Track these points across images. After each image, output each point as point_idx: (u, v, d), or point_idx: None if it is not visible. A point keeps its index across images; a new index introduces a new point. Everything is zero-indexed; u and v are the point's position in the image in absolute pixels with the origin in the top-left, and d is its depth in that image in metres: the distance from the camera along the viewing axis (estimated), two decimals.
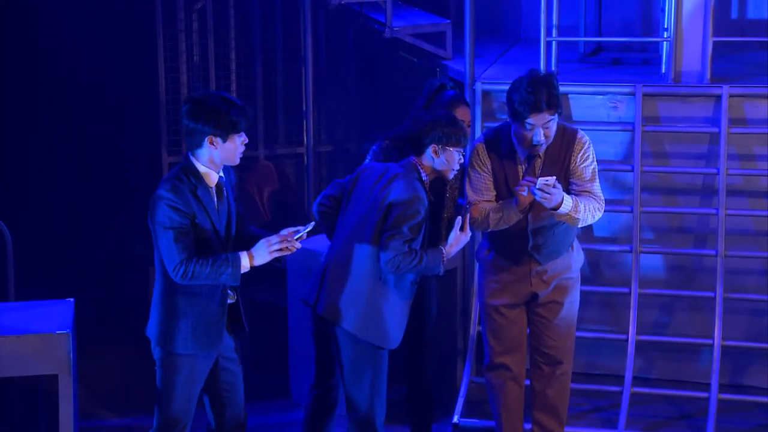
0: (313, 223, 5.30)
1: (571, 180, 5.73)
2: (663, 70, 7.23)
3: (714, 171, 6.94)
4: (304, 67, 8.16)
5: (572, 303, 5.96)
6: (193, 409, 5.32)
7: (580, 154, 5.73)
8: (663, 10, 7.38)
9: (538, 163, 5.73)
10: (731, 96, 6.92)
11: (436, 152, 5.55)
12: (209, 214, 5.16)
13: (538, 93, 5.51)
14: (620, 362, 6.98)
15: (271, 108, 8.63)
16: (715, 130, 6.92)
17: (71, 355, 5.73)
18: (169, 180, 5.12)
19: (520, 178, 5.72)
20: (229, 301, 5.29)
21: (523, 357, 6.04)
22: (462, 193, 5.97)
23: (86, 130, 9.06)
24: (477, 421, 6.81)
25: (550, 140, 5.65)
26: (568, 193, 5.67)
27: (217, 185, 5.22)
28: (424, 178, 5.58)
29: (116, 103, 8.86)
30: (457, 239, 5.53)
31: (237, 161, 5.22)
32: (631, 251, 7.01)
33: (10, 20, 8.69)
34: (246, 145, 5.30)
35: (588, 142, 5.76)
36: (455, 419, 6.80)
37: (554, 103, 5.55)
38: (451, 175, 5.65)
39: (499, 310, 5.94)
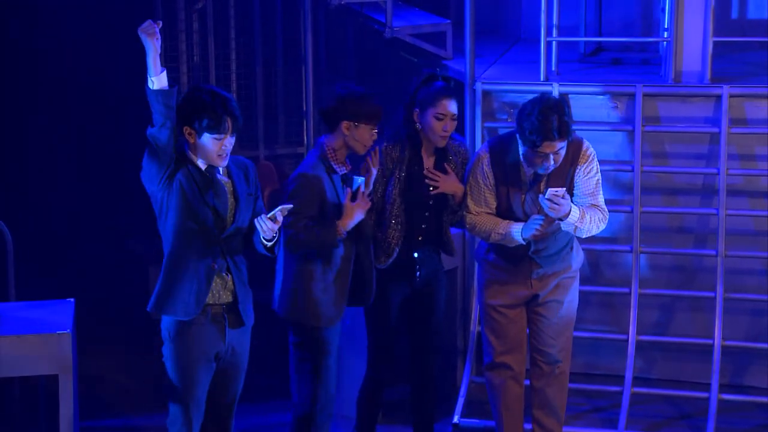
0: (291, 205, 5.31)
1: (575, 192, 5.73)
2: (663, 71, 7.23)
3: (714, 171, 6.94)
4: (305, 66, 8.15)
5: (572, 302, 5.96)
6: (198, 390, 5.27)
7: (585, 167, 5.72)
8: (663, 10, 7.38)
9: (543, 178, 5.72)
10: (731, 96, 6.91)
11: (347, 128, 5.58)
12: (202, 193, 5.14)
13: (549, 122, 5.48)
14: (620, 362, 6.98)
15: (271, 108, 8.62)
16: (716, 130, 6.92)
17: (72, 355, 5.73)
18: None
19: (524, 194, 5.73)
20: (217, 267, 5.21)
21: (524, 356, 6.04)
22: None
23: (86, 130, 9.05)
24: (477, 421, 6.81)
25: (559, 163, 5.65)
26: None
27: (213, 176, 5.19)
28: (329, 156, 5.59)
29: (116, 103, 8.85)
30: (350, 211, 5.53)
31: (218, 162, 5.16)
32: (631, 251, 7.01)
33: (10, 20, 8.69)
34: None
35: (593, 155, 5.75)
36: (455, 419, 6.80)
37: (565, 130, 5.53)
38: (362, 151, 5.65)
39: (498, 310, 5.94)
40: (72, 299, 6.16)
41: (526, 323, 6.01)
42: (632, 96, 7.03)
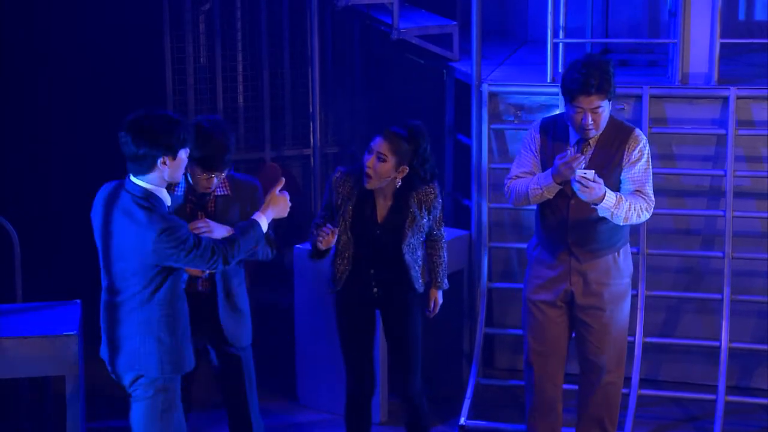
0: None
1: (623, 177, 5.70)
2: (670, 72, 7.23)
3: (721, 173, 6.94)
4: (311, 68, 8.17)
5: (617, 311, 5.83)
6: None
7: (635, 152, 5.66)
8: (670, 12, 7.38)
9: (587, 149, 5.67)
10: (738, 98, 6.91)
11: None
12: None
13: (589, 75, 5.48)
14: (627, 364, 6.96)
15: (277, 109, 8.64)
16: (723, 132, 6.92)
17: (78, 357, 5.74)
18: (155, 218, 4.94)
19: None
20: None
21: (562, 361, 5.95)
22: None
23: (93, 131, 9.06)
24: (484, 422, 6.81)
25: (601, 128, 5.61)
26: (618, 189, 5.67)
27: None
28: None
29: (123, 104, 8.86)
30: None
31: (180, 178, 5.09)
32: (638, 253, 7.00)
33: (19, 21, 8.70)
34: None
35: (643, 141, 5.69)
36: (462, 421, 6.80)
37: (605, 88, 5.50)
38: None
39: (538, 306, 5.87)
40: (78, 300, 6.17)
41: (566, 328, 5.93)
42: (639, 98, 7.03)
